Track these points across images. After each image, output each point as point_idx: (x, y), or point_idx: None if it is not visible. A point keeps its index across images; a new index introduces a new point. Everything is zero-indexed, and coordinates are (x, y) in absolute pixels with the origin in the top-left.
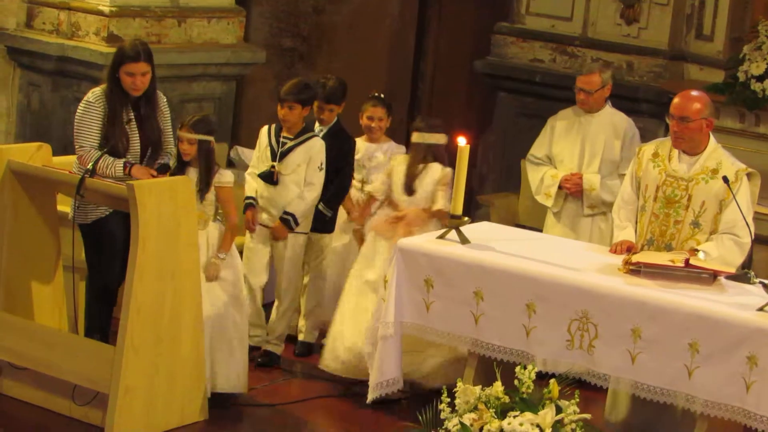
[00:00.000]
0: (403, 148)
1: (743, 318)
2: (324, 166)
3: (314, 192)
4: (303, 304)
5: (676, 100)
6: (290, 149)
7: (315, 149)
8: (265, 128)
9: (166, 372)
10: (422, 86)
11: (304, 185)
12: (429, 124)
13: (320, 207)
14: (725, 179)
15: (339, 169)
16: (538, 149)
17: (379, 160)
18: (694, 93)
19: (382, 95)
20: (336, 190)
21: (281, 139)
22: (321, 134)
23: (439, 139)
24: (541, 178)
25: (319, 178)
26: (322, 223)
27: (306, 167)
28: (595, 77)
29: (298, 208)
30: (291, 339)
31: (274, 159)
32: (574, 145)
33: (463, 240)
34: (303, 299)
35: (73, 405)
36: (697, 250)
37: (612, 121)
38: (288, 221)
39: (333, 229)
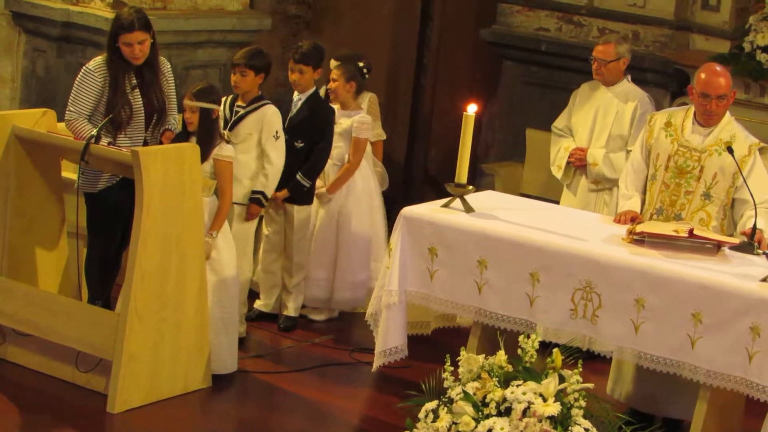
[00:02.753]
0: (368, 118)
1: (747, 288)
2: (280, 134)
3: (275, 166)
4: (287, 279)
5: (708, 78)
6: (241, 117)
7: (267, 117)
8: (222, 99)
9: (170, 339)
10: (428, 54)
11: (264, 160)
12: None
13: (299, 177)
14: (730, 149)
15: (316, 138)
16: (560, 120)
17: (343, 127)
18: (718, 68)
19: (347, 55)
20: (315, 160)
21: (235, 108)
22: (298, 102)
23: None
24: (558, 150)
25: (277, 148)
26: (301, 194)
27: (258, 136)
28: (610, 48)
29: (265, 185)
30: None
31: (225, 128)
32: (587, 117)
33: (468, 209)
34: (286, 274)
35: (76, 372)
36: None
37: (626, 96)
38: (258, 200)
39: (312, 201)
